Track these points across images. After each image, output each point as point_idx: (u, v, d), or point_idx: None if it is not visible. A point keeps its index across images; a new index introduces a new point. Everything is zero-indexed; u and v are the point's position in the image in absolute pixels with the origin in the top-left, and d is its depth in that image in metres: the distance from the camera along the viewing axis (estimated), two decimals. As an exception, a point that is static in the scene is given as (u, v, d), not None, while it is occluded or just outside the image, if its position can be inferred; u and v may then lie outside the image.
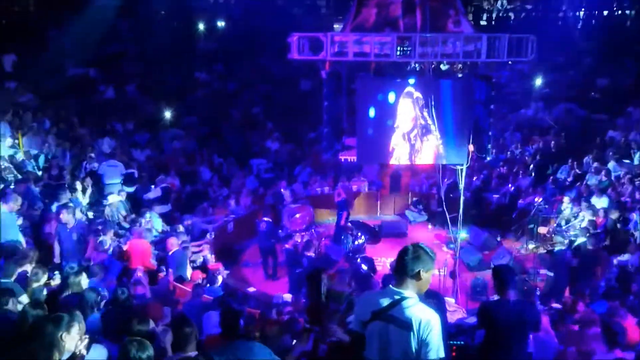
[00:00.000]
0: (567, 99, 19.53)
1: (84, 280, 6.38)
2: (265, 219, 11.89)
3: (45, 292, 6.43)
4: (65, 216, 9.14)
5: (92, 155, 13.37)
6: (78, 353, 3.99)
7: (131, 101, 18.68)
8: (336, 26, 21.18)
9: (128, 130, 16.39)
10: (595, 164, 14.02)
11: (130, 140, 15.76)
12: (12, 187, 10.33)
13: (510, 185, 14.57)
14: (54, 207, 10.01)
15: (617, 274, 9.46)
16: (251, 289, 10.76)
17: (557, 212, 12.59)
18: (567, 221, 12.03)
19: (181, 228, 11.43)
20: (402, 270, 3.43)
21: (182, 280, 9.69)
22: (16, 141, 12.64)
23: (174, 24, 23.06)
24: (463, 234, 11.56)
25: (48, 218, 9.79)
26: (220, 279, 9.57)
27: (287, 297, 9.80)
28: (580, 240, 10.28)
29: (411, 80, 10.02)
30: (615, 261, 9.89)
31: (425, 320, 3.31)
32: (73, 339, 3.97)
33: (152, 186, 13.05)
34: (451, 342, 5.39)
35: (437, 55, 9.44)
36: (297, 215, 13.42)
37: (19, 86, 16.23)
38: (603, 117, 17.86)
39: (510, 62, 15.32)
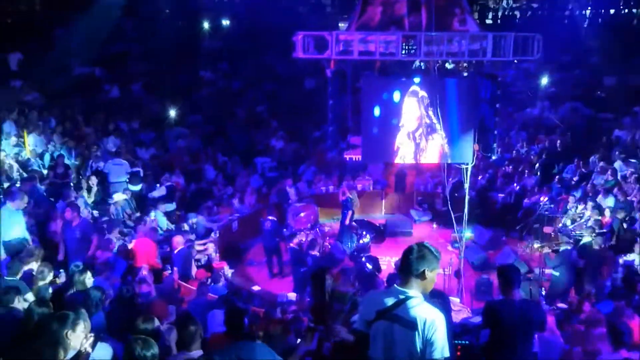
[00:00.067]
0: (573, 97, 19.45)
1: (89, 279, 6.41)
2: (270, 217, 11.90)
3: (50, 290, 6.46)
4: (70, 214, 9.17)
5: (98, 153, 13.41)
6: (83, 351, 4.00)
7: (136, 100, 18.72)
8: (341, 25, 21.14)
9: (133, 129, 16.42)
10: (602, 164, 13.94)
11: (135, 139, 15.80)
12: (17, 185, 10.37)
13: (515, 184, 14.52)
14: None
15: (623, 273, 9.42)
16: (256, 288, 10.77)
17: (563, 211, 12.55)
18: (573, 221, 11.99)
19: (186, 227, 11.46)
20: (407, 269, 3.42)
21: (187, 278, 9.72)
22: (21, 140, 12.69)
23: (179, 22, 23.12)
24: (468, 233, 11.52)
25: (53, 216, 9.83)
26: (224, 278, 9.59)
27: (292, 296, 9.81)
28: (586, 239, 10.24)
29: (416, 79, 9.99)
30: (621, 261, 9.85)
31: (430, 320, 3.30)
32: (78, 337, 3.98)
33: (157, 185, 13.08)
34: (456, 341, 5.36)
35: (443, 54, 9.41)
36: (302, 214, 13.42)
37: (25, 85, 16.30)
38: (609, 116, 17.78)
39: (516, 61, 15.27)
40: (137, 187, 12.66)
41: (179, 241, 9.98)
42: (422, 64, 14.40)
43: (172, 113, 17.36)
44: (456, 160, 10.20)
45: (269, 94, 20.68)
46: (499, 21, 25.89)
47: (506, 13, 26.74)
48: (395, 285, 3.51)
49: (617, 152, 14.57)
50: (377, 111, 9.95)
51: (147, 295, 7.49)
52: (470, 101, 9.86)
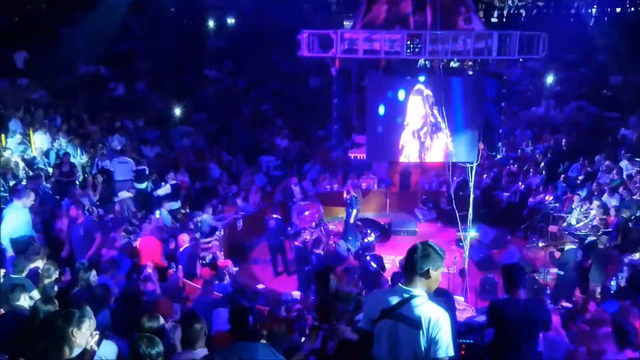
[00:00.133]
0: (579, 96, 19.39)
1: (94, 276, 6.43)
2: (275, 216, 11.91)
3: (56, 288, 6.48)
4: (74, 211, 9.21)
5: (104, 152, 13.45)
6: (89, 349, 4.01)
7: (141, 98, 18.77)
8: (346, 23, 21.18)
9: (138, 127, 16.47)
10: (607, 163, 13.89)
11: (140, 137, 15.84)
12: (23, 183, 10.42)
13: (520, 183, 14.48)
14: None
15: (629, 273, 9.38)
16: (260, 286, 10.79)
17: (568, 210, 12.51)
18: (578, 220, 11.95)
19: (191, 225, 11.48)
20: (411, 268, 3.42)
21: (192, 277, 9.74)
22: (27, 138, 12.75)
23: (184, 21, 23.19)
24: (473, 232, 11.50)
25: (59, 214, 9.87)
26: (228, 276, 9.60)
27: (296, 294, 9.82)
28: (591, 239, 10.20)
29: (421, 78, 9.97)
30: (626, 260, 9.81)
31: (434, 319, 3.29)
32: (84, 334, 3.99)
33: (162, 183, 13.11)
34: (460, 340, 5.36)
35: (448, 52, 9.41)
36: (306, 213, 13.43)
37: (31, 83, 16.38)
38: (615, 115, 17.70)
39: (521, 60, 15.22)
40: (142, 185, 12.70)
41: (184, 239, 10.00)
42: (427, 62, 14.35)
43: (177, 111, 17.40)
44: (461, 159, 10.18)
45: (273, 93, 20.70)
46: (504, 19, 25.85)
47: (512, 11, 26.69)
48: (399, 284, 3.50)
49: (622, 151, 14.51)
50: (381, 110, 9.94)
51: (152, 293, 7.51)
52: (475, 100, 9.84)
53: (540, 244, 12.25)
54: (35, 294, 5.94)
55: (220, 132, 17.66)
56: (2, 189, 10.38)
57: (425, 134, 9.95)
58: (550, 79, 20.45)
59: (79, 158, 13.09)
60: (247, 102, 19.99)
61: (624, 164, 13.81)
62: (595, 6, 24.96)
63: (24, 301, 5.39)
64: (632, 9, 25.40)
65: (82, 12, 17.81)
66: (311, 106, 18.73)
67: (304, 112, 19.07)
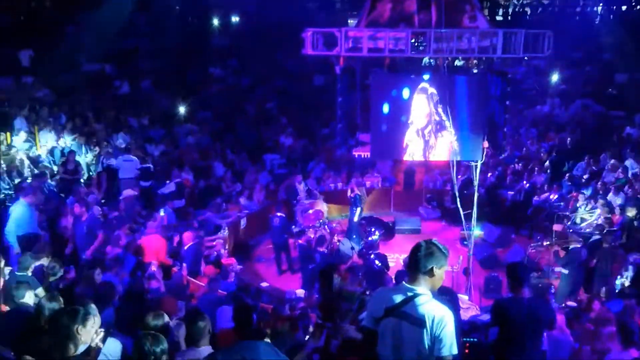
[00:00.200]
0: (584, 95, 19.32)
1: (98, 274, 6.45)
2: (279, 214, 11.91)
3: (61, 285, 6.51)
4: (78, 209, 9.24)
5: (109, 150, 13.48)
6: (94, 346, 4.03)
7: (146, 96, 18.83)
8: (350, 21, 21.16)
9: (143, 126, 16.51)
10: (612, 161, 13.85)
11: (144, 135, 15.87)
12: (29, 181, 10.47)
13: (525, 182, 14.43)
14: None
15: (634, 272, 9.35)
16: (264, 284, 10.80)
17: (573, 209, 12.47)
18: (583, 219, 11.91)
19: (195, 223, 11.48)
20: (415, 266, 3.42)
21: (196, 274, 9.75)
22: (32, 136, 12.80)
23: (189, 19, 23.23)
24: (477, 231, 11.48)
25: (64, 212, 9.91)
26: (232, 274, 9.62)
27: (300, 292, 9.82)
28: (596, 238, 10.17)
29: (426, 76, 9.94)
30: (631, 259, 9.77)
31: (438, 317, 3.30)
32: (89, 332, 4.00)
33: (167, 181, 13.13)
34: (464, 339, 5.36)
35: (452, 51, 9.35)
36: (310, 211, 13.42)
37: (36, 81, 16.45)
38: (620, 114, 17.65)
39: (526, 58, 15.16)
40: (147, 183, 12.72)
41: (189, 237, 10.02)
42: (431, 60, 14.35)
43: (182, 109, 17.44)
44: (465, 157, 10.15)
45: (278, 91, 20.72)
46: (509, 18, 25.83)
47: (517, 9, 26.65)
48: (403, 282, 3.51)
49: (628, 150, 14.47)
50: (386, 108, 9.92)
51: (156, 291, 7.53)
52: (480, 98, 9.80)
53: (545, 243, 12.21)
54: (40, 292, 5.96)
55: (225, 130, 17.68)
56: (7, 186, 10.44)
57: (429, 132, 9.92)
58: (555, 77, 20.39)
59: (83, 156, 13.13)
60: (251, 101, 20.01)
61: (629, 162, 13.77)
62: (600, 4, 24.91)
63: (29, 298, 5.42)
64: (638, 7, 25.31)
65: (86, 11, 17.87)
66: (315, 104, 18.74)
67: (308, 110, 19.07)
